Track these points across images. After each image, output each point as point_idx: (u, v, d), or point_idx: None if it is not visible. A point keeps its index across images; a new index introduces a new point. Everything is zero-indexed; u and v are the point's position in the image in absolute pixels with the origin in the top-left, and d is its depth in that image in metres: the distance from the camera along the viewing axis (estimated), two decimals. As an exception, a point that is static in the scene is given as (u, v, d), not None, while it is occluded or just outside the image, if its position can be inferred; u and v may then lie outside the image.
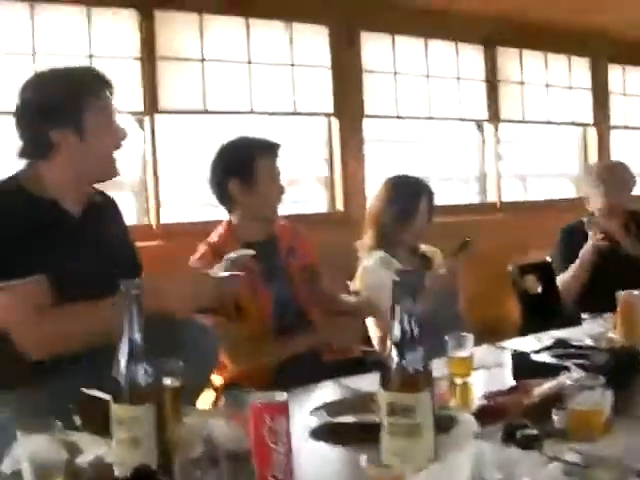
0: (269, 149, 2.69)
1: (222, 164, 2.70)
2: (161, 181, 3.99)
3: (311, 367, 2.48)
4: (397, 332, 1.31)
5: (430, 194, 3.23)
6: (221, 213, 2.82)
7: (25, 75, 2.15)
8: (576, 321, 2.58)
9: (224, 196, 2.70)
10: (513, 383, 1.91)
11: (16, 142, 2.11)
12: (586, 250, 3.42)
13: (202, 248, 2.65)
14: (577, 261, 3.43)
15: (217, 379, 2.60)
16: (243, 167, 2.63)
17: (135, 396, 1.35)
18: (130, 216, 3.92)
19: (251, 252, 2.30)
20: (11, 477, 1.41)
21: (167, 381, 1.58)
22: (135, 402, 1.35)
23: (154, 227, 3.94)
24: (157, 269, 2.44)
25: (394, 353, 1.32)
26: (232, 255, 2.25)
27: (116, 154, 2.14)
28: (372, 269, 3.06)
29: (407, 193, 3.21)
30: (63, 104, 2.03)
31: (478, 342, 2.62)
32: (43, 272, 1.94)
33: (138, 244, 2.37)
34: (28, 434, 1.40)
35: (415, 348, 1.32)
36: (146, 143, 3.97)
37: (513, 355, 2.09)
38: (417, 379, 1.31)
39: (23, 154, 2.10)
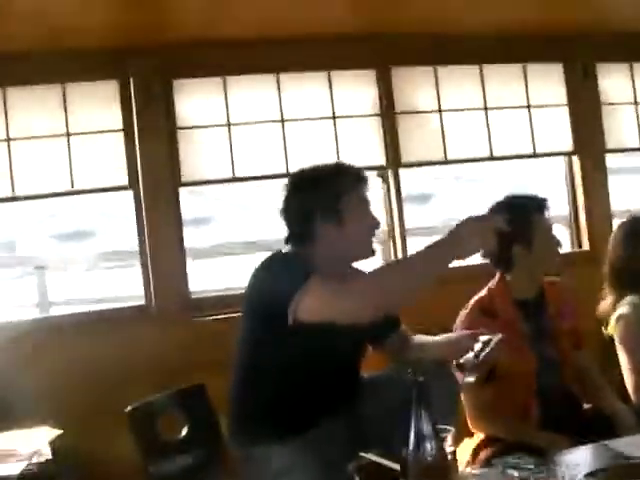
0: (542, 206, 2.72)
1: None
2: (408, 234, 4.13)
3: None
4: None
5: None
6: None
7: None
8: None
9: (504, 258, 2.72)
10: None
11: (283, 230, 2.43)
12: None
13: (472, 302, 2.76)
14: None
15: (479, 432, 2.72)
16: (523, 230, 2.66)
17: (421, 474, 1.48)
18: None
19: (499, 337, 2.37)
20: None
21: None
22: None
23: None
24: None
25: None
26: (484, 338, 2.34)
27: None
28: (628, 320, 3.00)
29: None
30: (325, 202, 2.34)
31: None
32: None
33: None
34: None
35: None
36: (390, 195, 4.15)
37: None
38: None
39: (288, 240, 2.41)
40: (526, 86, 4.41)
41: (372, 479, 1.78)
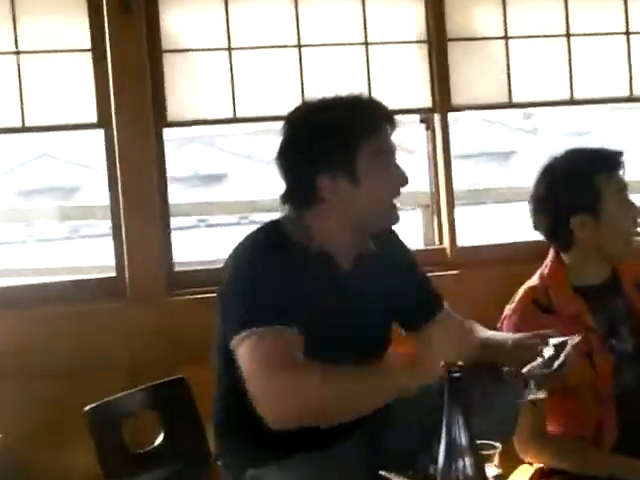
0: (614, 163, 2.63)
1: (560, 193, 2.65)
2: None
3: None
4: None
5: None
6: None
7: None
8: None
9: (560, 232, 2.67)
10: None
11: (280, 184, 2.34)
12: None
13: (521, 293, 2.70)
14: None
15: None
16: (586, 197, 2.59)
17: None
18: (417, 240, 4.09)
19: (577, 339, 2.28)
20: None
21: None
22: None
23: (448, 252, 4.03)
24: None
25: None
26: (556, 341, 2.25)
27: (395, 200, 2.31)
28: None
29: None
30: (334, 147, 2.23)
31: None
32: (305, 327, 2.13)
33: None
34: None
35: None
36: (435, 147, 4.09)
37: None
38: None
39: (286, 199, 2.34)
40: (625, 5, 4.27)
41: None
